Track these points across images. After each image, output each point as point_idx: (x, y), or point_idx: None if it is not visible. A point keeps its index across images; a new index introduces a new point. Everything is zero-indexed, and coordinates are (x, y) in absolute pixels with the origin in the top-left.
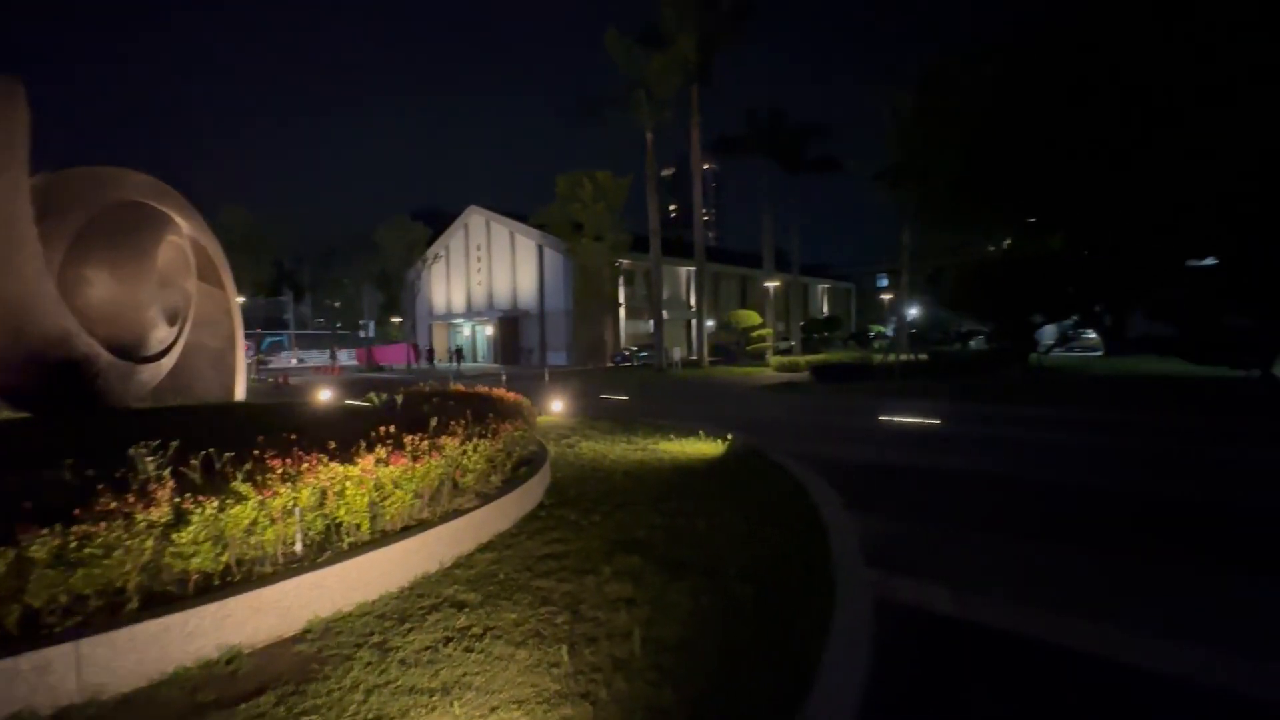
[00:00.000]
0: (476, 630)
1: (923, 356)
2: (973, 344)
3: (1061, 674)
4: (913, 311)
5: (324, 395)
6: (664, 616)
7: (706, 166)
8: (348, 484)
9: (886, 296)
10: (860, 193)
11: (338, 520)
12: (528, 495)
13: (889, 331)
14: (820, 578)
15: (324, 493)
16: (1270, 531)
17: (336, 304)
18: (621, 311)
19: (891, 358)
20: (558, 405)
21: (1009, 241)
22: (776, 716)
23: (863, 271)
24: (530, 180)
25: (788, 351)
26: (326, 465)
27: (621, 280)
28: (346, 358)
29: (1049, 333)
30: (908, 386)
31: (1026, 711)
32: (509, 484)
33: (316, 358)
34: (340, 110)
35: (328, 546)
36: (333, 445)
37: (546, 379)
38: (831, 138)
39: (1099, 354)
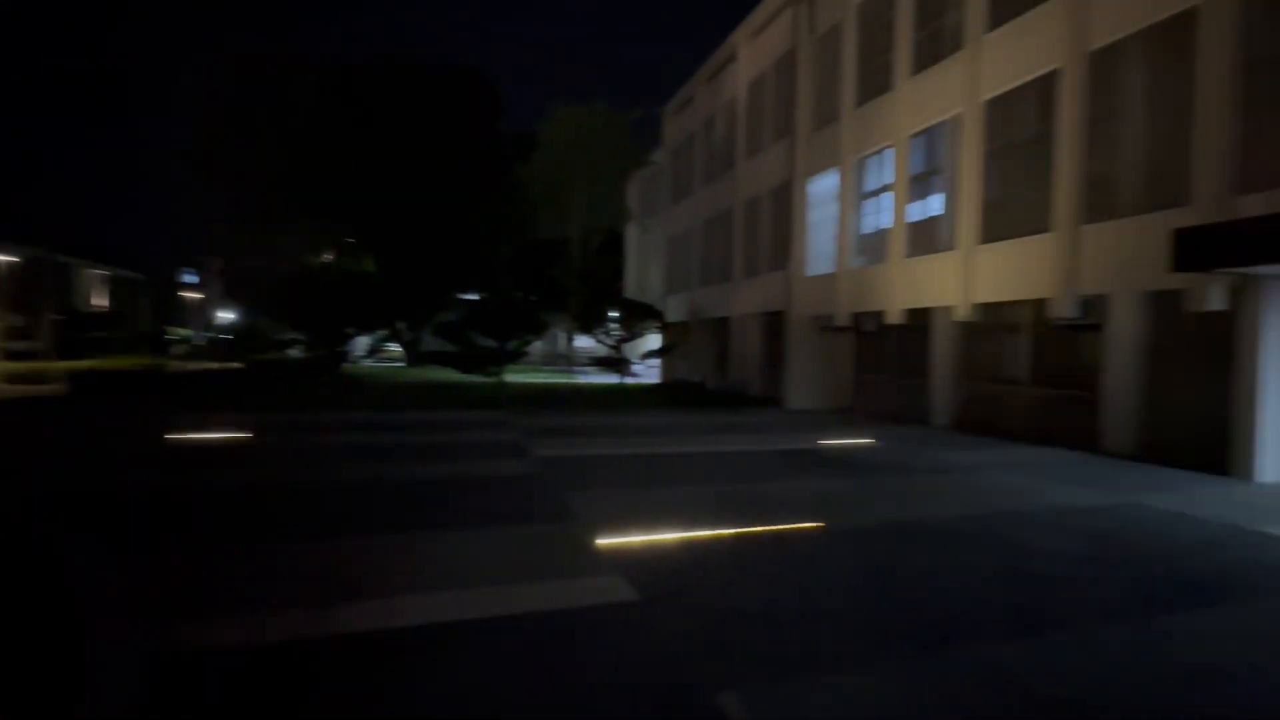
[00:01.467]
0: None
1: (237, 365)
2: (293, 352)
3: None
4: (228, 315)
5: None
6: None
7: None
8: None
9: (195, 296)
10: (171, 170)
11: None
12: None
13: (199, 336)
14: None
15: None
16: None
17: None
18: None
19: (193, 365)
20: None
21: (332, 256)
22: None
23: (163, 262)
24: None
25: (30, 355)
26: None
27: None
28: None
29: (362, 344)
30: (215, 400)
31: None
32: None
33: None
34: None
35: None
36: None
37: None
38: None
39: (402, 364)
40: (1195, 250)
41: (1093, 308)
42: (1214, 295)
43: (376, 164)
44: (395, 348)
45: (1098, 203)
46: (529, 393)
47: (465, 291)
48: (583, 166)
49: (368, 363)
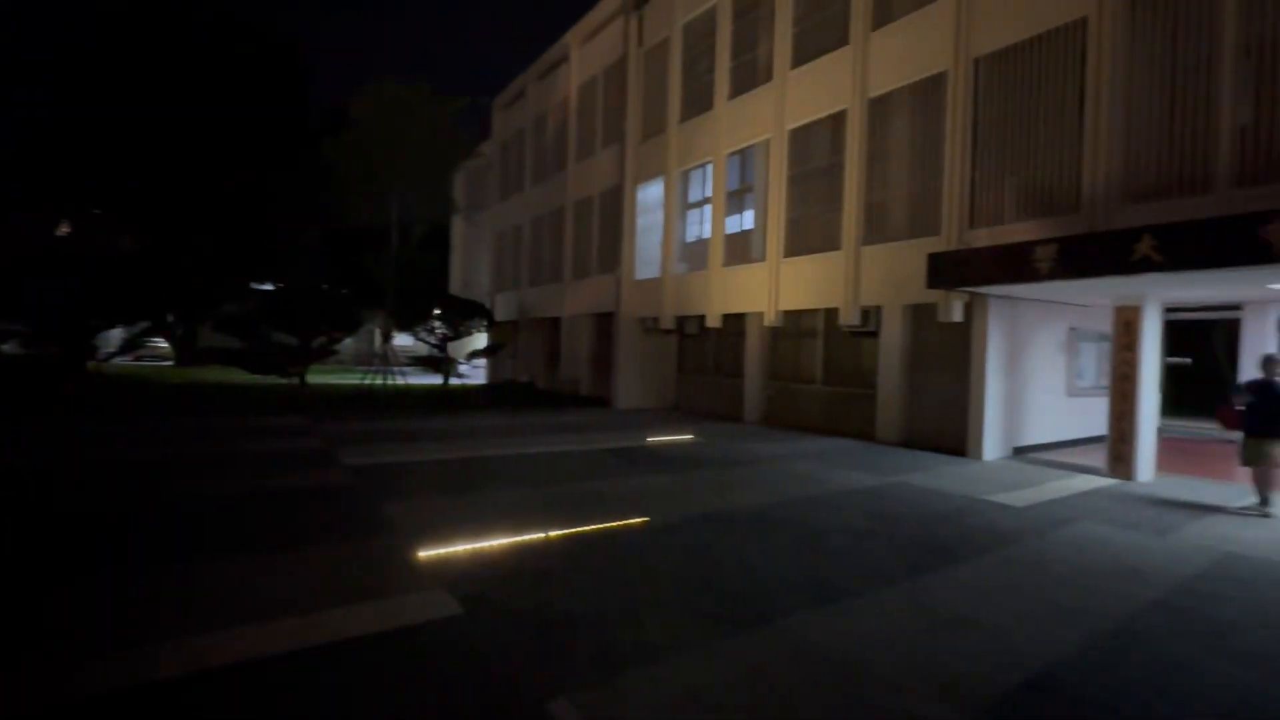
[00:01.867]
0: None
1: None
2: (8, 347)
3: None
4: None
5: None
6: None
7: None
8: None
9: None
10: None
11: None
12: None
13: None
14: None
15: None
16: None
17: None
18: None
19: None
20: None
21: (68, 229)
22: None
23: None
24: None
25: None
26: None
27: None
28: None
29: (115, 338)
30: None
31: None
32: None
33: None
34: None
35: None
36: None
37: None
38: None
39: (171, 364)
40: (942, 271)
41: (870, 317)
42: (956, 309)
43: (129, 118)
44: (162, 344)
45: (875, 227)
46: (338, 395)
47: (259, 280)
48: (402, 150)
49: (122, 361)
